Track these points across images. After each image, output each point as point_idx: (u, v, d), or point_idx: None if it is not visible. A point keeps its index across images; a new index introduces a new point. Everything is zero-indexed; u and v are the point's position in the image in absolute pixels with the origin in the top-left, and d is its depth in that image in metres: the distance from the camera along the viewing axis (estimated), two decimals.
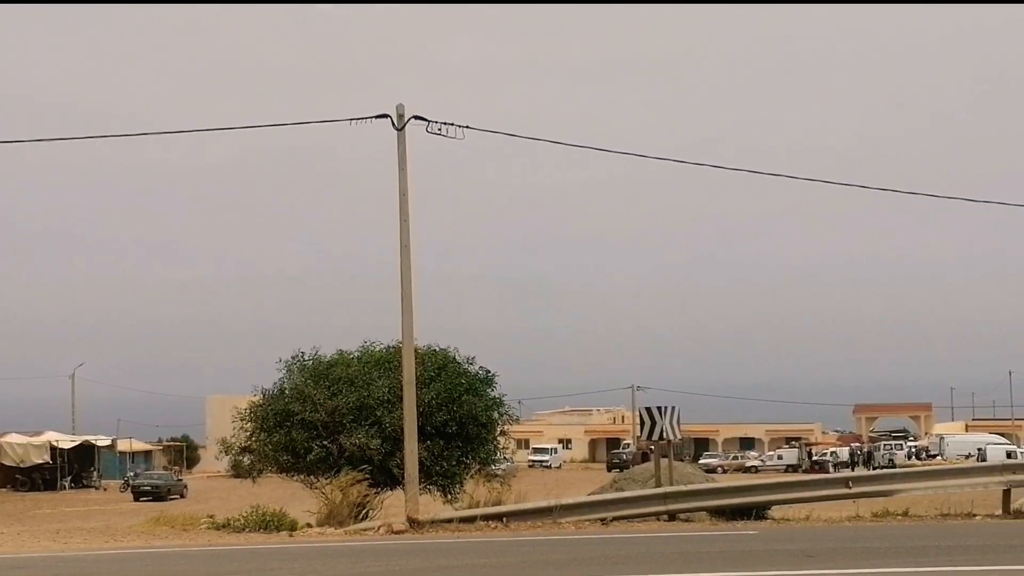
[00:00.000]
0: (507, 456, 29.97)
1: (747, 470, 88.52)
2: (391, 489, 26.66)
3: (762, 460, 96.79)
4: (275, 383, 27.80)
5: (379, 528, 21.25)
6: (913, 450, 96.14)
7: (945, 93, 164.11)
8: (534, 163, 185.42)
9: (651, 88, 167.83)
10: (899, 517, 21.48)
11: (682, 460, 46.28)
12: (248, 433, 27.84)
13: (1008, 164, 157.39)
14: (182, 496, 58.46)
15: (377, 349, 28.11)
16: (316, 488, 25.77)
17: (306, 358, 27.89)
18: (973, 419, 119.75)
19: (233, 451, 29.12)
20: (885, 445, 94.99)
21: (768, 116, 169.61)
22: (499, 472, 28.17)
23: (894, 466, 76.81)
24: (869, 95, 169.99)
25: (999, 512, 21.90)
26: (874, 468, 76.35)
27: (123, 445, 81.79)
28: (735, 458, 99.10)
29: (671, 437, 23.58)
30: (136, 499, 56.27)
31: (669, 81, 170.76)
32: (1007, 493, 22.16)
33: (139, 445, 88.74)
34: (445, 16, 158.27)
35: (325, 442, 26.08)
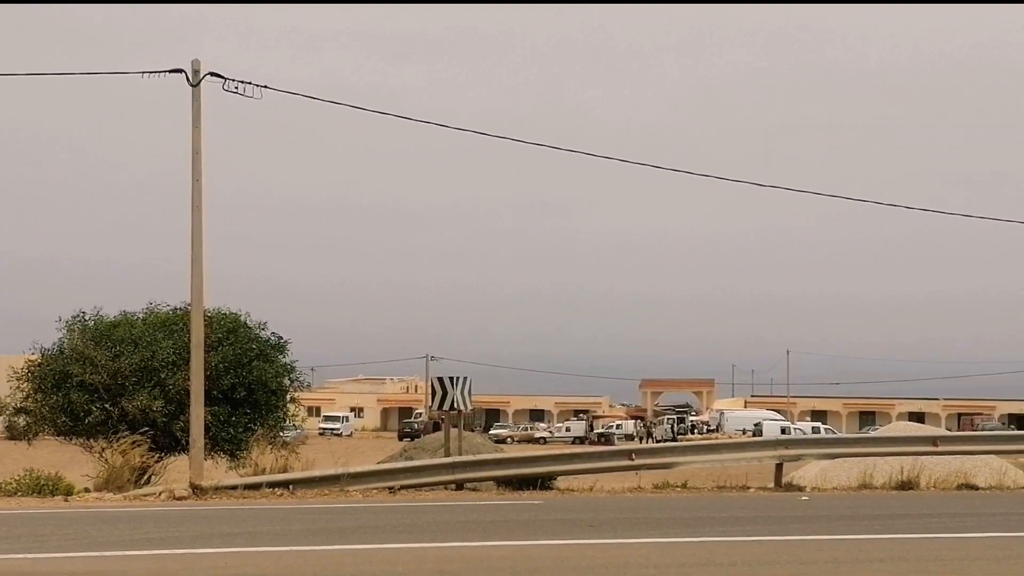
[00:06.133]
0: (296, 423, 29.68)
1: (535, 441, 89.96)
2: (176, 454, 26.10)
3: (551, 432, 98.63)
4: (55, 342, 26.82)
5: (160, 494, 20.73)
6: (693, 424, 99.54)
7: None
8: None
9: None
10: (678, 489, 22.11)
11: (473, 430, 46.60)
12: (24, 394, 26.80)
13: (784, 149, 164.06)
14: None
15: (163, 310, 27.43)
16: (95, 452, 24.97)
17: (88, 318, 26.98)
18: (752, 396, 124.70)
19: (7, 412, 28.02)
20: (668, 419, 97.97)
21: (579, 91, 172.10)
22: (288, 439, 27.89)
23: (676, 439, 79.34)
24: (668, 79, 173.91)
25: (771, 485, 22.79)
26: (657, 441, 78.64)
27: None
28: (524, 429, 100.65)
29: (462, 407, 23.70)
30: None
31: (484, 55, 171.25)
32: (779, 467, 23.07)
33: None
34: None
35: (106, 405, 25.31)
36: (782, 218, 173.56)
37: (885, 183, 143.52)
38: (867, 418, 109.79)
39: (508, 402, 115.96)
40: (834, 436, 53.36)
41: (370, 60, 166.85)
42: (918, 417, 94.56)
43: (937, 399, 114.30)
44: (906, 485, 22.37)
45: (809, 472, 28.03)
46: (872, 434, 36.97)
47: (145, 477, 23.48)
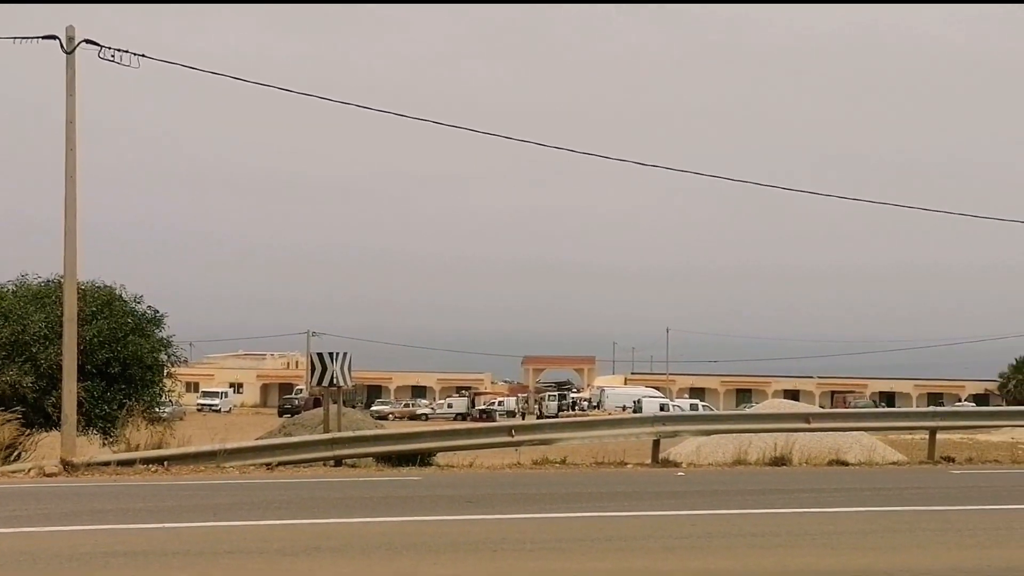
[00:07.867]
0: (173, 399, 29.22)
1: (417, 417, 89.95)
2: (47, 431, 25.47)
3: (433, 408, 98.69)
4: None
5: (30, 471, 20.22)
6: (574, 401, 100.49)
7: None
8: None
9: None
10: (557, 465, 22.26)
11: (354, 407, 46.39)
12: None
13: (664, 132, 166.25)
14: None
15: (35, 283, 26.75)
16: None
17: None
18: (632, 373, 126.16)
19: None
20: (550, 396, 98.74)
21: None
22: (164, 415, 27.43)
23: (557, 416, 80.00)
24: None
25: (648, 461, 23.07)
26: (538, 417, 79.22)
27: None
28: (407, 406, 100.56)
29: (342, 383, 23.53)
30: None
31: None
32: (656, 443, 23.35)
33: None
34: None
35: None
36: (664, 196, 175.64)
37: (764, 160, 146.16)
38: (744, 395, 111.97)
39: (390, 378, 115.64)
40: (710, 413, 54.29)
41: (271, 34, 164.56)
42: (793, 395, 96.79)
43: (812, 377, 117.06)
44: (779, 461, 22.84)
45: (686, 448, 28.48)
46: (747, 411, 37.70)
47: (15, 454, 22.87)
